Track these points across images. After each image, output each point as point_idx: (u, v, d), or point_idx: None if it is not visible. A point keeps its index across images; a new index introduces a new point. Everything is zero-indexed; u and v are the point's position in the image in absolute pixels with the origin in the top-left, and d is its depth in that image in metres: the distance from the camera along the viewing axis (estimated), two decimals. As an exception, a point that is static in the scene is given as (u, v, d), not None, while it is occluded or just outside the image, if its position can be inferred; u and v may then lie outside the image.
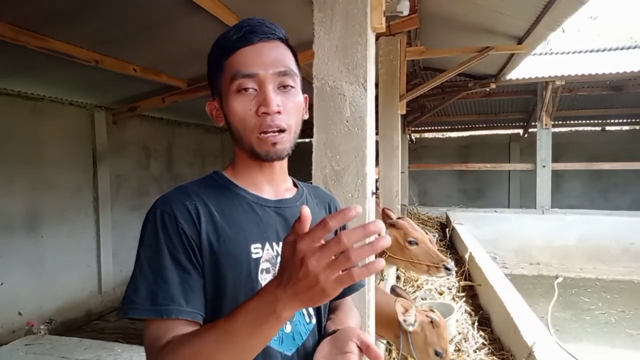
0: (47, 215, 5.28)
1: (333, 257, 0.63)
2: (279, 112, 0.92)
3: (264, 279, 0.93)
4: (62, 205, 5.49)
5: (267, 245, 0.95)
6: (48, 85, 5.02)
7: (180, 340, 0.78)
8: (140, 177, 7.03)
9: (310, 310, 1.02)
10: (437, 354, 2.28)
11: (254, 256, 0.92)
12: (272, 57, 0.93)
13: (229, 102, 0.93)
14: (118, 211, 6.39)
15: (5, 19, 3.31)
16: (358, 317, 1.20)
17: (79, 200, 5.77)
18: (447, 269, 2.71)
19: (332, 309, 1.15)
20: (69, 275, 5.58)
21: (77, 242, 5.72)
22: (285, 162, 1.04)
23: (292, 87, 0.96)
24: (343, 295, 1.15)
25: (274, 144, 0.93)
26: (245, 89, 0.91)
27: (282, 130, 0.93)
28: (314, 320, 1.02)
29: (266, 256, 0.94)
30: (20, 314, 4.92)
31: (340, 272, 0.63)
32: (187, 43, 4.25)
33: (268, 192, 1.01)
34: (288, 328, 0.96)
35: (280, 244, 0.95)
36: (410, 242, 2.80)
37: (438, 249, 6.50)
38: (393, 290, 2.67)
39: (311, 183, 1.28)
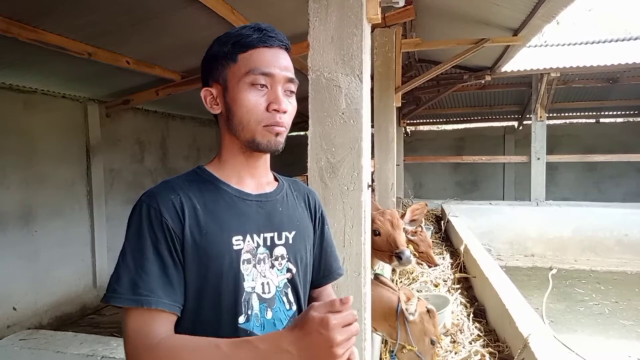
0: (40, 210, 5.25)
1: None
2: (285, 112, 1.01)
3: (246, 269, 1.00)
4: (56, 199, 5.45)
5: (248, 237, 1.01)
6: (40, 78, 4.96)
7: (180, 348, 0.85)
8: (135, 170, 6.99)
9: (291, 297, 1.08)
10: (432, 342, 2.32)
11: (235, 248, 0.99)
12: (285, 64, 1.03)
13: (240, 92, 1.00)
14: (112, 205, 6.35)
15: (-4, 10, 3.27)
16: None
17: (73, 194, 5.73)
18: (399, 257, 2.65)
19: (314, 299, 1.21)
20: (64, 270, 5.56)
21: (71, 236, 5.69)
22: (268, 157, 1.11)
23: (294, 93, 1.06)
24: (321, 283, 1.23)
25: (277, 134, 1.01)
26: (260, 85, 0.99)
27: (283, 126, 1.02)
28: (294, 307, 1.09)
29: (247, 247, 1.01)
30: (14, 309, 4.90)
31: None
32: (181, 35, 4.21)
33: (250, 186, 1.08)
34: (269, 314, 1.03)
35: (262, 235, 1.03)
36: (375, 233, 2.77)
37: (432, 241, 6.53)
38: (376, 277, 2.67)
39: (303, 177, 1.32)
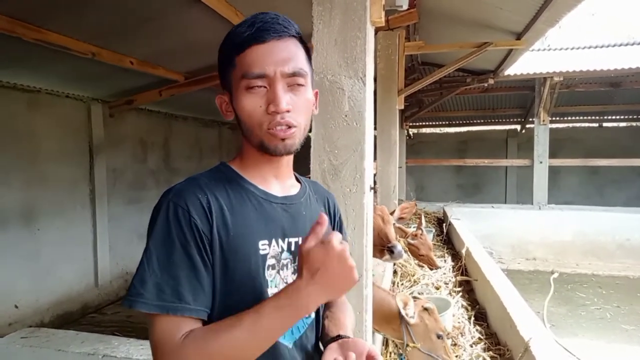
0: (43, 209, 5.26)
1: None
2: (288, 111, 0.93)
3: (270, 274, 0.96)
4: (59, 198, 5.47)
5: (274, 242, 0.97)
6: (44, 77, 4.98)
7: (204, 336, 0.82)
8: (137, 170, 7.00)
9: None
10: (439, 336, 2.33)
11: (261, 252, 0.95)
12: (283, 57, 0.93)
13: (239, 98, 0.94)
14: (115, 204, 6.36)
15: (1, 10, 3.28)
16: (352, 312, 1.23)
17: (75, 194, 5.75)
18: (391, 251, 2.67)
19: (327, 303, 1.18)
20: (66, 269, 5.57)
21: (73, 235, 5.70)
22: (291, 157, 1.06)
23: (302, 85, 0.96)
24: None
25: (283, 139, 0.94)
26: (257, 87, 0.92)
27: (290, 126, 0.94)
28: (312, 315, 1.06)
29: (272, 252, 0.97)
30: (16, 307, 4.91)
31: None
32: (185, 36, 4.23)
33: (275, 188, 1.03)
34: None
35: (286, 240, 0.99)
36: None
37: (434, 244, 6.52)
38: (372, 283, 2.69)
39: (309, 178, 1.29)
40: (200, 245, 0.88)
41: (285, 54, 0.93)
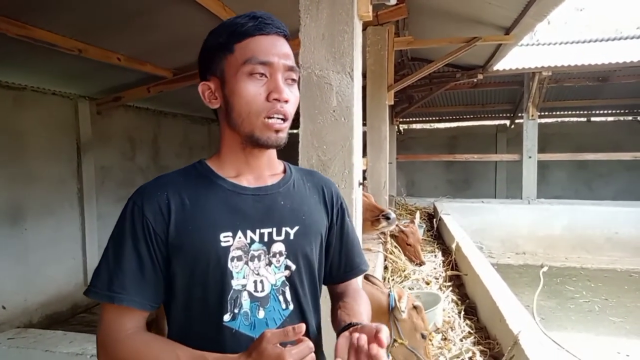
0: (30, 208, 5.19)
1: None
2: (286, 101, 0.97)
3: (236, 266, 0.96)
4: (46, 197, 5.40)
5: (240, 234, 0.97)
6: (30, 74, 4.91)
7: (140, 347, 0.90)
8: (126, 168, 6.94)
9: (288, 296, 1.03)
10: (423, 336, 2.38)
11: (223, 244, 0.95)
12: (284, 51, 0.98)
13: (238, 84, 0.96)
14: (103, 203, 6.30)
15: (-16, 5, 3.23)
16: (367, 302, 1.20)
17: (63, 192, 5.68)
18: (387, 217, 2.72)
19: (340, 294, 1.18)
20: (54, 268, 5.51)
21: (61, 234, 5.64)
22: (274, 151, 1.07)
23: (295, 81, 1.02)
24: (344, 279, 1.20)
25: (277, 131, 0.98)
26: (259, 74, 0.95)
27: (285, 120, 0.98)
28: (291, 307, 1.04)
29: (237, 244, 0.97)
30: (4, 307, 4.85)
31: None
32: (173, 32, 4.18)
33: (248, 180, 1.04)
34: (261, 314, 0.99)
35: (257, 231, 0.99)
36: None
37: (425, 239, 6.54)
38: (365, 277, 2.71)
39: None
40: (149, 243, 0.94)
41: (285, 49, 0.99)
